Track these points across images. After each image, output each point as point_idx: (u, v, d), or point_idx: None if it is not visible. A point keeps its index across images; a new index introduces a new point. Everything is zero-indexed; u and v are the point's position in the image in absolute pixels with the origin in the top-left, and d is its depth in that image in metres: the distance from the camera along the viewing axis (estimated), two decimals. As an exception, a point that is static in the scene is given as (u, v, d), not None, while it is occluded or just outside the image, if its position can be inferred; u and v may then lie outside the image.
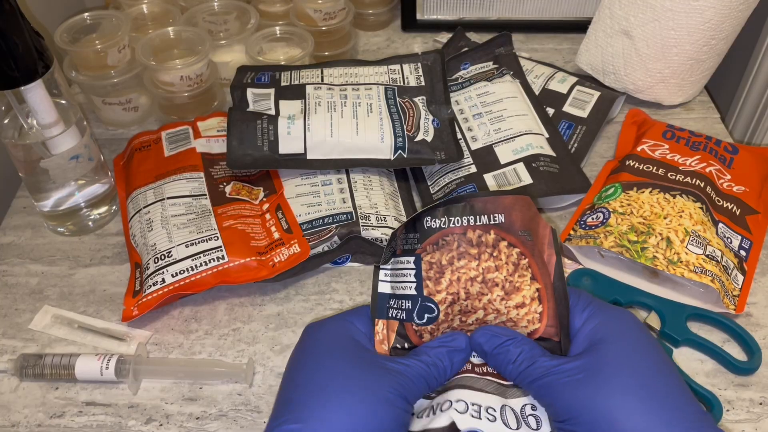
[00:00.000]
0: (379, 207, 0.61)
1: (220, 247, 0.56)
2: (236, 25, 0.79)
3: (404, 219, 0.61)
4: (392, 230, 0.58)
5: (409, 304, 0.46)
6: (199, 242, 0.56)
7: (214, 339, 0.55)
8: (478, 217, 0.46)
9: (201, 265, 0.55)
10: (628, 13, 0.70)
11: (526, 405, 0.43)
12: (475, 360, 0.46)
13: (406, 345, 0.46)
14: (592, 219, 0.60)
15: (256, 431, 0.49)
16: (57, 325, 0.56)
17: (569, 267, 0.58)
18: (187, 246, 0.56)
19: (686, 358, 0.53)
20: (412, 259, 0.46)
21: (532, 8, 0.85)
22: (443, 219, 0.46)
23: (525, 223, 0.45)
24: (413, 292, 0.46)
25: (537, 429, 0.42)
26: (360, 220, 0.58)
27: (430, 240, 0.46)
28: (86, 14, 0.72)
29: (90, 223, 0.64)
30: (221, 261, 0.55)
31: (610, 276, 0.57)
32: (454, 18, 0.86)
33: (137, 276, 0.57)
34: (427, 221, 0.46)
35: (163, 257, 0.55)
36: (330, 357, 0.41)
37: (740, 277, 0.57)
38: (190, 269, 0.55)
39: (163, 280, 0.54)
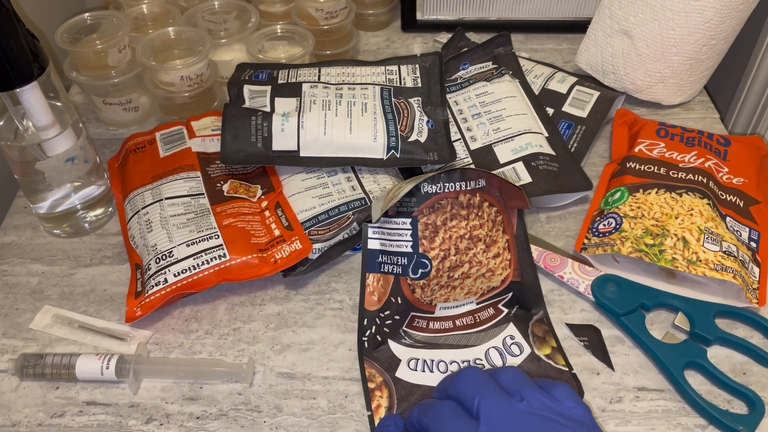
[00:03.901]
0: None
1: (221, 245, 0.56)
2: (236, 24, 0.79)
3: None
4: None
5: (405, 261, 0.53)
6: (199, 241, 0.56)
7: (214, 338, 0.55)
8: (467, 182, 0.53)
9: (203, 263, 0.55)
10: (628, 12, 0.70)
11: (506, 337, 0.54)
12: (458, 320, 0.55)
13: (398, 299, 0.53)
14: (604, 225, 0.59)
15: (256, 431, 0.49)
16: (57, 325, 0.57)
17: (592, 274, 0.57)
18: (188, 245, 0.56)
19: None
20: (408, 220, 0.53)
21: (532, 8, 0.85)
22: (439, 185, 0.53)
23: (499, 185, 0.54)
24: (409, 249, 0.53)
25: (520, 354, 0.53)
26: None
27: (427, 204, 0.53)
28: (87, 14, 0.72)
29: (86, 225, 0.64)
30: (223, 259, 0.55)
31: (628, 279, 0.57)
32: (454, 18, 0.86)
33: (138, 277, 0.57)
34: (424, 186, 0.53)
35: (164, 257, 0.56)
36: None
37: (756, 270, 0.57)
38: (192, 268, 0.55)
39: (166, 280, 0.54)
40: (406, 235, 0.53)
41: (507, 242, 0.55)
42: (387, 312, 0.53)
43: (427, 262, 0.53)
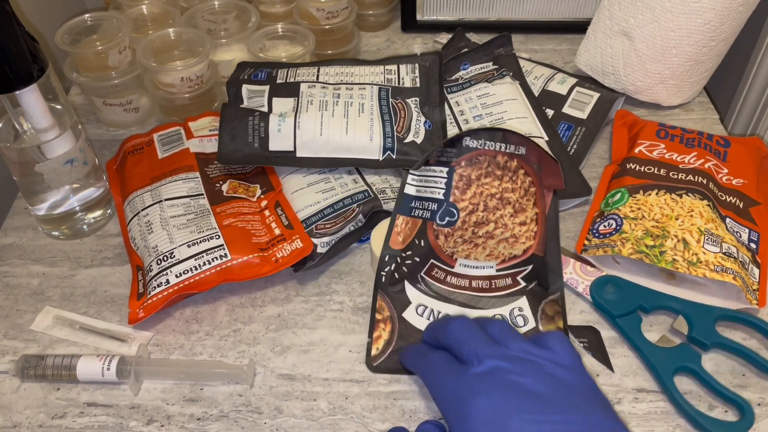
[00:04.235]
0: (391, 180, 0.63)
1: (222, 245, 0.56)
2: (236, 24, 0.79)
3: None
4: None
5: (435, 206, 0.56)
6: (200, 242, 0.56)
7: (214, 340, 0.55)
8: (507, 145, 0.56)
9: (204, 264, 0.55)
10: (628, 14, 0.71)
11: (514, 308, 0.56)
12: (474, 282, 0.56)
13: (422, 242, 0.56)
14: (605, 227, 0.59)
15: (257, 432, 0.50)
16: (58, 326, 0.57)
17: (592, 275, 0.58)
18: (189, 246, 0.56)
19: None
20: (446, 169, 0.56)
21: (532, 9, 0.85)
22: (480, 141, 0.56)
23: (539, 158, 0.56)
24: (440, 197, 0.56)
25: (524, 326, 0.55)
26: (378, 195, 0.61)
27: (466, 157, 0.56)
28: (87, 15, 0.72)
29: (85, 226, 0.64)
30: (224, 259, 0.55)
31: (628, 280, 0.57)
32: (454, 18, 0.86)
33: (139, 278, 0.57)
34: (466, 140, 0.56)
35: (165, 258, 0.56)
36: None
37: (756, 271, 0.57)
38: (193, 269, 0.55)
39: (168, 281, 0.55)
40: (441, 182, 0.56)
41: (536, 215, 0.57)
42: (409, 252, 0.56)
43: (455, 211, 0.55)
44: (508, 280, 0.57)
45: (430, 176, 0.57)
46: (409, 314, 0.55)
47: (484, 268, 0.57)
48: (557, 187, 0.57)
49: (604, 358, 0.53)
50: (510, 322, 0.54)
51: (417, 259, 0.56)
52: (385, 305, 0.55)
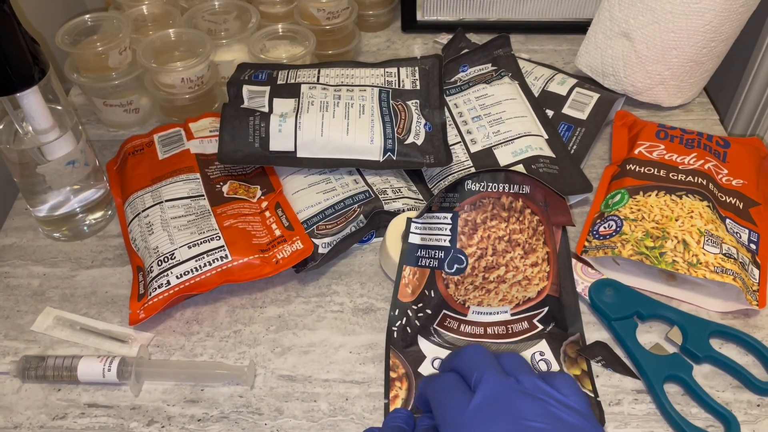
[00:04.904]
0: (392, 181, 0.63)
1: (223, 246, 0.56)
2: (236, 25, 0.79)
3: (415, 189, 0.64)
4: (411, 199, 0.62)
5: (442, 254, 0.54)
6: (201, 243, 0.57)
7: (215, 341, 0.55)
8: (511, 185, 0.55)
9: (205, 265, 0.55)
10: (628, 15, 0.71)
11: (535, 353, 0.53)
12: (489, 328, 0.54)
13: (432, 293, 0.54)
14: (605, 228, 0.59)
15: (258, 433, 0.50)
16: (59, 327, 0.57)
17: (593, 277, 0.58)
18: (189, 247, 0.56)
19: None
20: (449, 215, 0.55)
21: (532, 9, 0.85)
22: (483, 184, 0.54)
23: (544, 196, 0.55)
24: (447, 244, 0.54)
25: (548, 370, 0.52)
26: (379, 196, 0.61)
27: (469, 200, 0.54)
28: (87, 16, 0.72)
29: (85, 228, 0.64)
30: (225, 260, 0.56)
31: (628, 281, 0.57)
32: (454, 19, 0.86)
33: (140, 279, 0.57)
34: (467, 183, 0.54)
35: (166, 259, 0.56)
36: None
37: (756, 272, 0.57)
38: (194, 270, 0.55)
39: (168, 282, 0.55)
40: (446, 229, 0.54)
41: (547, 254, 0.55)
42: (420, 305, 0.54)
43: (463, 258, 0.54)
44: (525, 324, 0.55)
45: (434, 223, 0.55)
46: (425, 369, 0.52)
47: (498, 313, 0.55)
48: (566, 223, 0.56)
49: (624, 368, 0.52)
50: (532, 367, 0.51)
51: (428, 311, 0.54)
52: (399, 362, 0.52)
